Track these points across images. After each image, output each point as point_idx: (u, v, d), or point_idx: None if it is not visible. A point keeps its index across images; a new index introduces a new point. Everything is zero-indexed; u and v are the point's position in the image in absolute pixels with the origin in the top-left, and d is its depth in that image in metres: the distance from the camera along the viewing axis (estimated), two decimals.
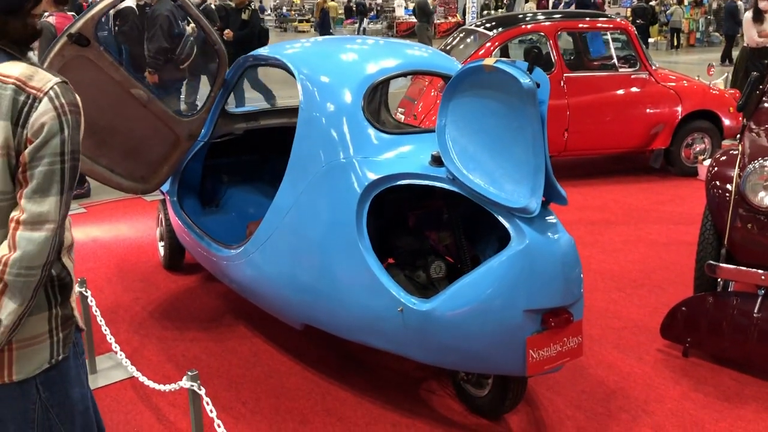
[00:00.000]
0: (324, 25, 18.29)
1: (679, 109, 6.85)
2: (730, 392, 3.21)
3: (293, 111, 4.44)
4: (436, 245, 3.41)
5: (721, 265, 3.37)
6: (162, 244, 4.65)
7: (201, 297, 4.24)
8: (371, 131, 3.01)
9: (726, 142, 7.33)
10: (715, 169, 3.51)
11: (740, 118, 4.15)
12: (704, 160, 7.04)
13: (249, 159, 4.83)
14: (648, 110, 6.80)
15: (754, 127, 3.98)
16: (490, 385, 2.96)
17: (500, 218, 2.66)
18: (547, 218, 2.64)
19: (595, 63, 7.31)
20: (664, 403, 3.13)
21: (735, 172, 3.42)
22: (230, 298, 4.14)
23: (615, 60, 6.95)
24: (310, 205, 3.06)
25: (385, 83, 3.27)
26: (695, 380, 3.31)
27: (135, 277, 4.56)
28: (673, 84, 6.91)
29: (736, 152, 3.67)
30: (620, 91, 6.77)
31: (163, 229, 4.57)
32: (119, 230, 5.50)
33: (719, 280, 3.46)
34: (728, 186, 3.40)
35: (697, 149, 7.11)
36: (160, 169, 3.92)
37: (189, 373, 2.43)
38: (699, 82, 7.39)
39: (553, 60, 6.58)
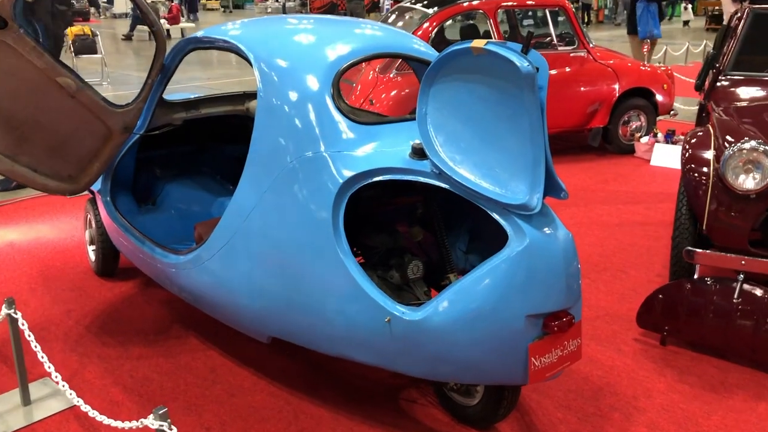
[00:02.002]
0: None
1: (617, 86, 6.85)
2: (714, 381, 3.14)
3: (236, 98, 4.07)
4: (408, 242, 3.16)
5: (699, 250, 3.29)
6: (93, 248, 4.20)
7: (143, 306, 3.84)
8: (343, 122, 2.71)
9: (660, 118, 7.42)
10: (690, 152, 3.42)
11: (702, 99, 4.11)
12: (641, 137, 7.09)
13: (184, 150, 4.42)
14: (587, 88, 6.76)
15: (716, 106, 3.93)
16: (481, 393, 2.76)
17: (495, 216, 2.43)
18: (544, 213, 2.43)
19: (534, 42, 7.21)
20: (652, 397, 3.02)
21: (711, 155, 3.33)
22: (176, 305, 3.77)
23: (554, 38, 6.85)
24: (276, 205, 2.74)
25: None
26: (678, 370, 3.22)
27: (64, 285, 4.10)
28: (611, 61, 6.89)
29: (703, 133, 3.58)
30: (560, 70, 6.69)
31: (93, 231, 4.12)
32: (39, 232, 4.98)
33: (696, 265, 3.38)
34: (705, 169, 3.30)
35: (634, 126, 7.15)
36: (90, 166, 3.48)
37: (157, 411, 2.10)
38: (633, 60, 7.42)
39: (493, 39, 6.41)
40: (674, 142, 6.90)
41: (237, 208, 2.89)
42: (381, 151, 2.68)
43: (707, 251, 3.26)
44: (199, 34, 3.30)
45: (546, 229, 2.41)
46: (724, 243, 3.24)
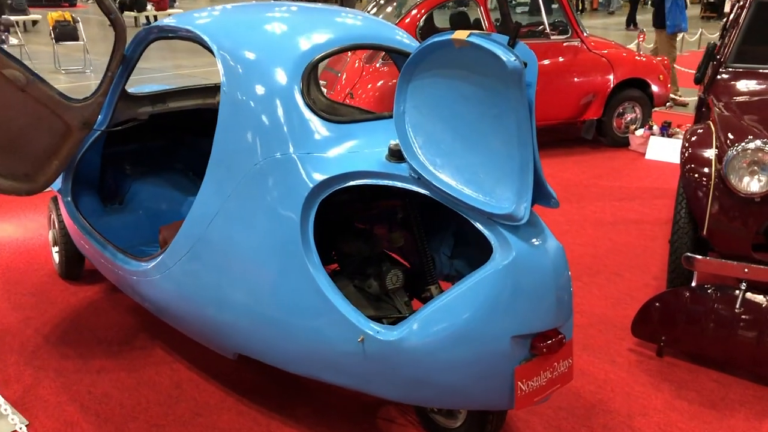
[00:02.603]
0: None
1: (611, 77, 6.62)
2: (714, 397, 2.93)
3: (207, 90, 3.83)
4: (387, 248, 2.94)
5: (699, 257, 3.08)
6: (56, 249, 3.96)
7: (108, 312, 3.61)
8: (314, 120, 2.48)
9: (656, 110, 7.20)
10: (690, 150, 3.19)
11: (700, 92, 3.89)
12: (636, 129, 6.87)
13: (155, 145, 4.17)
14: (581, 79, 6.53)
15: (717, 101, 3.71)
16: (464, 415, 2.54)
17: (479, 226, 2.21)
18: (532, 223, 2.21)
19: (526, 30, 6.96)
20: (649, 416, 2.82)
21: (712, 154, 3.11)
22: (143, 312, 3.54)
23: (546, 27, 6.60)
24: (240, 211, 2.51)
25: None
26: (676, 385, 3.02)
27: (24, 289, 3.86)
28: (605, 51, 6.66)
29: (703, 130, 3.36)
30: (553, 60, 6.45)
31: (56, 231, 3.88)
32: (3, 231, 4.73)
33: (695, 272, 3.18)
34: (705, 170, 3.08)
35: (629, 119, 6.93)
36: (48, 164, 3.23)
37: None
38: (628, 49, 7.19)
39: (484, 27, 6.16)
40: (670, 135, 6.69)
41: (199, 213, 2.66)
42: (355, 153, 2.45)
43: (708, 258, 3.05)
44: (164, 22, 3.05)
45: (534, 240, 2.19)
46: (725, 249, 3.03)
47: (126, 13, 19.67)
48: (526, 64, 2.04)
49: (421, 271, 2.68)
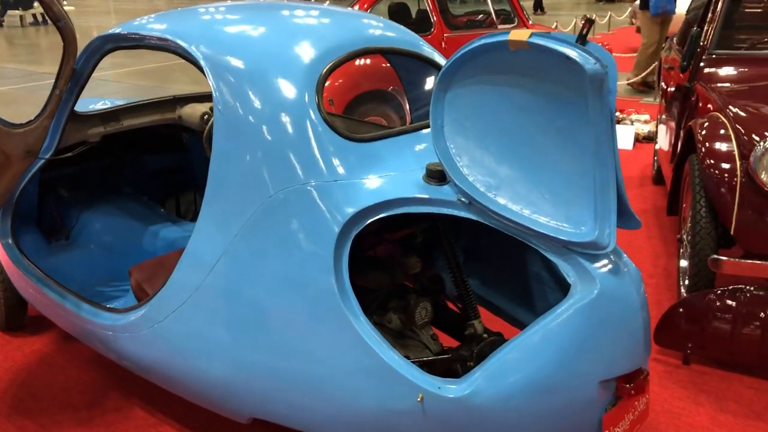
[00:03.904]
0: None
1: None
2: (757, 407, 2.78)
3: (165, 104, 3.34)
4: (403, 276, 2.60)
5: (726, 259, 2.91)
6: None
7: (65, 369, 3.09)
8: (335, 139, 2.10)
9: None
10: (706, 145, 3.02)
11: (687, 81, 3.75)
12: None
13: (96, 166, 3.64)
14: None
15: (710, 90, 3.56)
16: None
17: (551, 257, 1.91)
18: (613, 249, 1.93)
19: (466, 20, 6.73)
20: None
21: (733, 149, 2.94)
22: (109, 364, 3.04)
23: (492, 15, 6.39)
24: (254, 254, 2.11)
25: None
26: (713, 396, 2.84)
27: None
28: None
29: (711, 123, 3.20)
30: None
31: None
32: None
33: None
34: (727, 165, 2.91)
35: None
36: None
37: None
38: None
39: (432, 19, 5.87)
40: (618, 121, 6.64)
41: (196, 259, 2.23)
42: (388, 177, 2.09)
43: (737, 260, 2.89)
44: (126, 29, 2.57)
45: (616, 268, 1.91)
46: (755, 248, 2.88)
47: (10, 12, 18.23)
48: (606, 68, 1.75)
49: (461, 304, 2.35)
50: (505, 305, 2.69)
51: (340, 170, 2.07)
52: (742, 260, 2.88)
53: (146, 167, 3.75)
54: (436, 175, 2.04)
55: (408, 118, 4.37)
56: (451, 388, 1.90)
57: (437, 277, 2.69)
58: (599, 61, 1.72)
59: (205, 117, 2.52)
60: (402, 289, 2.49)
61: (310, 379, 2.06)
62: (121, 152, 3.64)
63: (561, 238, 1.86)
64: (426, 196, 2.02)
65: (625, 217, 1.90)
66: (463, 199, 1.99)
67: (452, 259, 2.30)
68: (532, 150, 1.90)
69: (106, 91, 8.99)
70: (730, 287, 2.95)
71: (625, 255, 2.01)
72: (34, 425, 2.72)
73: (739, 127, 3.01)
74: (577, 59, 1.71)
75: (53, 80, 2.66)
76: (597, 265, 1.88)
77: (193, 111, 2.58)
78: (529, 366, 1.85)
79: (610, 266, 1.89)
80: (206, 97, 3.17)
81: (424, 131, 2.29)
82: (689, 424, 2.68)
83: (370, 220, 2.02)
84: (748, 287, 2.93)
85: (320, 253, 1.99)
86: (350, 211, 1.99)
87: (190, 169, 3.78)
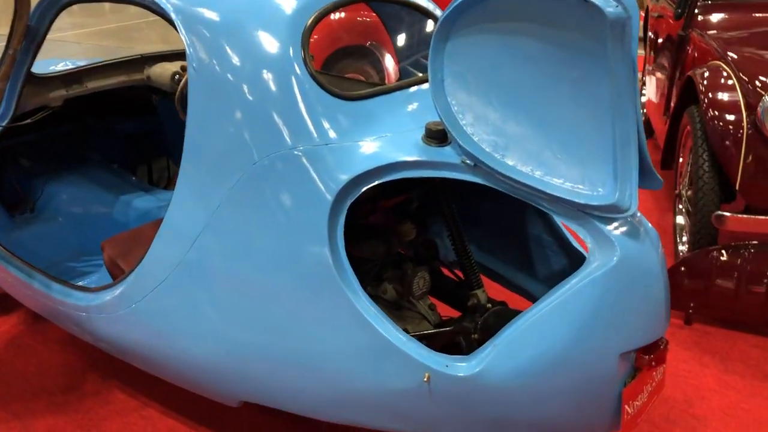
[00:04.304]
0: None
1: None
2: (765, 367, 2.70)
3: (133, 64, 3.09)
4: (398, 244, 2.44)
5: (731, 215, 2.80)
6: None
7: (37, 351, 2.90)
8: (325, 98, 1.91)
9: None
10: (710, 95, 2.87)
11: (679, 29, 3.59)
12: None
13: (59, 132, 3.40)
14: None
15: (707, 39, 3.41)
16: None
17: (566, 222, 1.76)
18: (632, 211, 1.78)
19: None
20: (707, 399, 2.53)
21: (738, 99, 2.80)
22: (84, 345, 2.85)
23: None
24: (239, 226, 1.92)
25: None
26: (718, 357, 2.76)
27: None
28: None
29: (713, 72, 3.04)
30: None
31: None
32: None
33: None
34: (733, 117, 2.78)
35: None
36: None
37: None
38: None
39: None
40: None
41: (175, 233, 2.05)
42: (384, 138, 1.91)
43: (743, 215, 2.78)
44: None
45: (637, 232, 1.77)
46: (761, 203, 2.76)
47: None
48: (628, 12, 1.58)
49: (462, 270, 2.20)
50: (503, 271, 2.55)
51: (331, 133, 1.88)
52: (749, 216, 2.76)
53: (114, 133, 3.51)
54: (437, 135, 1.86)
55: (390, 75, 4.15)
56: (461, 366, 1.75)
57: (431, 243, 2.53)
58: (621, 3, 1.54)
59: (177, 77, 2.31)
60: (397, 258, 2.33)
61: (305, 359, 1.91)
62: (86, 117, 3.40)
63: (577, 201, 1.70)
64: (427, 159, 1.84)
65: (646, 176, 1.74)
66: (467, 161, 1.81)
67: (453, 225, 2.14)
68: (543, 105, 1.72)
69: (66, 52, 8.56)
70: (734, 244, 2.85)
71: (641, 214, 1.86)
72: (4, 413, 2.54)
73: (744, 77, 2.86)
74: (596, 2, 1.53)
75: (5, 40, 2.41)
76: (616, 229, 1.73)
77: (163, 71, 2.36)
78: (545, 340, 1.71)
79: (629, 229, 1.75)
80: (177, 56, 2.94)
81: (422, 87, 2.11)
82: (696, 387, 2.60)
83: (366, 188, 1.84)
84: (752, 243, 2.83)
85: (313, 224, 1.81)
86: (344, 178, 1.81)
87: (161, 133, 3.54)
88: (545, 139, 1.74)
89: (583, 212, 1.73)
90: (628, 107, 1.61)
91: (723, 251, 2.84)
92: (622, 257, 1.70)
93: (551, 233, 2.39)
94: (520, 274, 2.52)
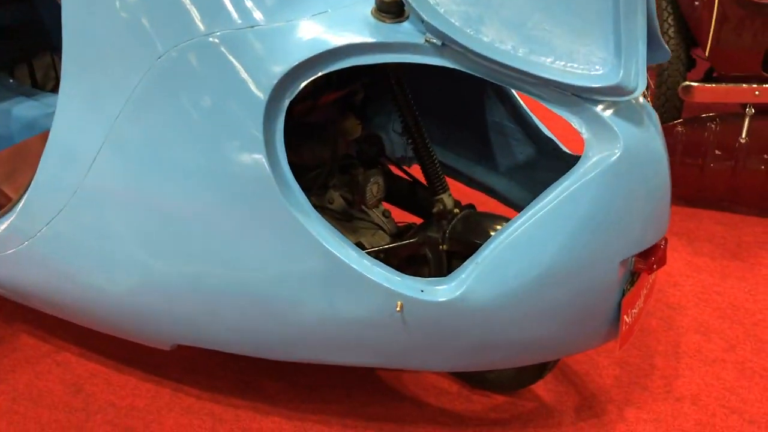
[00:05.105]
0: None
1: None
2: (730, 245, 2.60)
3: None
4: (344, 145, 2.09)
5: (699, 84, 2.57)
6: None
7: None
8: None
9: None
10: None
11: None
12: None
13: None
14: None
15: None
16: None
17: (557, 110, 1.45)
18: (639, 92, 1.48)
19: None
20: (680, 285, 2.39)
21: None
22: None
23: None
24: (148, 140, 1.53)
25: None
26: (685, 238, 2.63)
27: None
28: None
29: None
30: None
31: None
32: None
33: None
34: None
35: None
36: None
37: None
38: None
39: None
40: None
41: (65, 151, 1.63)
42: (323, 16, 1.51)
43: (712, 85, 2.55)
44: None
45: (640, 116, 1.48)
46: (731, 70, 2.53)
47: None
48: None
49: (424, 173, 1.88)
50: (458, 164, 2.25)
51: (256, 12, 1.47)
52: (717, 85, 2.54)
53: None
54: (391, 9, 1.48)
55: None
56: (439, 290, 1.48)
57: (375, 138, 2.20)
58: None
59: None
60: (343, 161, 1.99)
61: (247, 293, 1.59)
62: None
63: (571, 83, 1.38)
64: (381, 41, 1.47)
65: (653, 47, 1.44)
66: (432, 40, 1.45)
67: (412, 119, 1.80)
68: None
69: None
70: (701, 116, 2.64)
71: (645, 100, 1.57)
72: None
73: None
74: None
75: None
76: (616, 114, 1.43)
77: None
78: (537, 253, 1.44)
79: (630, 114, 1.46)
80: None
81: None
82: (666, 273, 2.44)
83: (307, 81, 1.47)
84: (718, 114, 2.62)
85: (244, 130, 1.44)
86: (278, 70, 1.42)
87: (41, 24, 2.96)
88: (529, 8, 1.40)
89: (577, 96, 1.42)
90: None
91: (688, 125, 2.63)
92: (626, 149, 1.41)
93: (515, 119, 2.09)
94: (478, 167, 2.23)
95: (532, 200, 1.47)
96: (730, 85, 2.53)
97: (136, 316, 1.76)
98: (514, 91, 2.06)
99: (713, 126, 2.60)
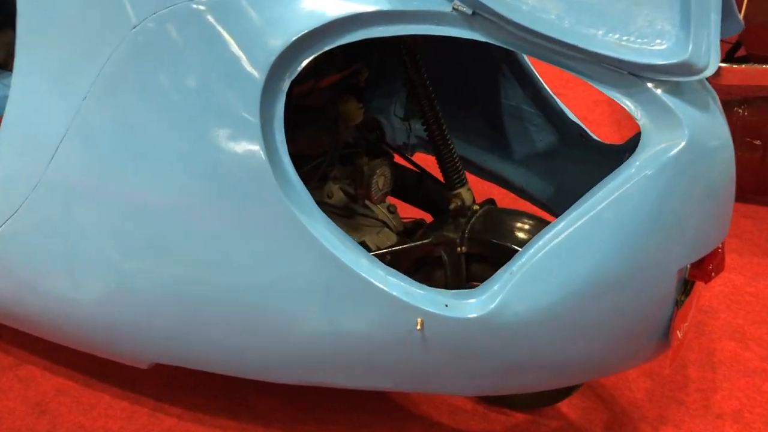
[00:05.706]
0: None
1: None
2: (759, 240, 2.39)
3: None
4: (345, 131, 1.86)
5: (729, 65, 2.36)
6: None
7: None
8: None
9: None
10: None
11: None
12: None
13: None
14: None
15: None
16: None
17: (609, 92, 1.22)
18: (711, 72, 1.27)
19: None
20: (710, 287, 2.16)
21: None
22: None
23: None
24: (120, 127, 1.28)
25: None
26: None
27: None
28: None
29: None
30: None
31: None
32: None
33: None
34: None
35: None
36: None
37: None
38: None
39: None
40: None
41: (23, 137, 1.39)
42: None
43: (741, 66, 2.35)
44: None
45: (706, 100, 1.26)
46: (765, 50, 2.33)
47: None
48: None
49: (440, 165, 1.65)
50: (467, 152, 2.03)
51: None
52: (750, 66, 2.34)
53: None
54: None
55: None
56: (466, 305, 1.26)
57: (375, 123, 1.97)
58: None
59: None
60: (345, 150, 1.76)
61: (237, 303, 1.36)
62: None
63: (628, 59, 1.16)
64: (399, 8, 1.23)
65: (726, 17, 1.21)
66: (462, 8, 1.22)
67: (428, 105, 1.57)
68: None
69: None
70: (727, 100, 2.44)
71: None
72: None
73: None
74: None
75: None
76: (678, 96, 1.21)
77: None
78: (583, 261, 1.22)
79: (694, 97, 1.23)
80: None
81: None
82: None
83: (311, 57, 1.23)
84: (747, 98, 2.43)
85: (236, 114, 1.21)
86: (278, 44, 1.19)
87: None
88: None
89: (634, 75, 1.19)
90: None
91: None
92: (690, 138, 1.19)
93: (536, 103, 1.87)
94: (489, 155, 2.01)
95: (552, 192, 1.26)
96: (764, 66, 2.33)
97: (107, 329, 1.52)
98: (535, 71, 1.85)
99: (740, 111, 2.40)
